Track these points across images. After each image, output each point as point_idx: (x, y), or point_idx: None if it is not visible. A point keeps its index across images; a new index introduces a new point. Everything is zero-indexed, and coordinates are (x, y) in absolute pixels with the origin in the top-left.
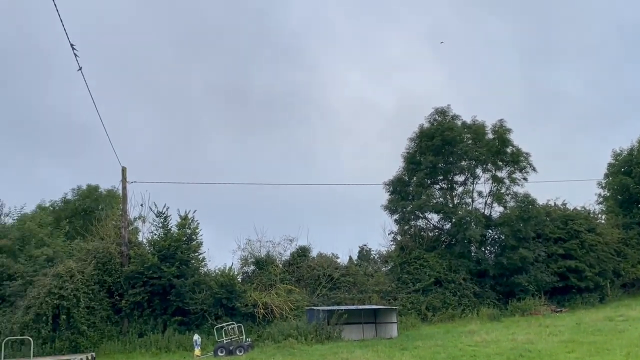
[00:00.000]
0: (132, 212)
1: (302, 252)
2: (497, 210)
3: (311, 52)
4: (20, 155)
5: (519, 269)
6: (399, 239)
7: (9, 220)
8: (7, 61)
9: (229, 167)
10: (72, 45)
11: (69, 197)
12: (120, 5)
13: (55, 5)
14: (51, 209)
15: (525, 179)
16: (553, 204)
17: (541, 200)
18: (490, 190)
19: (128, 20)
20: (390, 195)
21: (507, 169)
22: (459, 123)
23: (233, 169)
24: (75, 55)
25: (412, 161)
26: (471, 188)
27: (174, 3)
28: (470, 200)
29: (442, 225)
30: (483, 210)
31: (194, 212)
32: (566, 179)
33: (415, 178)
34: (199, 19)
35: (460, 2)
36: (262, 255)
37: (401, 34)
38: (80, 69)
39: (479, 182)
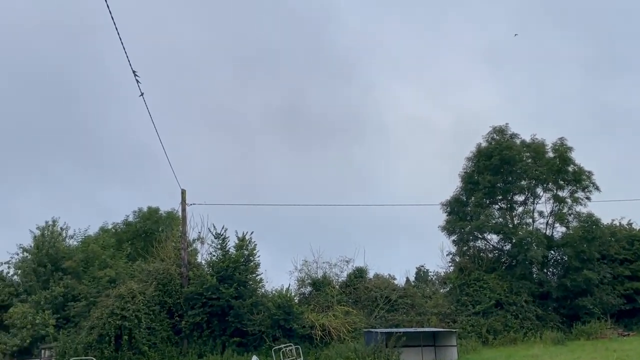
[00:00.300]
0: (191, 234)
1: (359, 273)
2: (559, 230)
3: (366, 71)
4: (83, 179)
5: (583, 291)
6: (457, 260)
7: (73, 243)
8: (70, 86)
9: (285, 188)
10: (134, 72)
11: (131, 219)
12: (177, 29)
13: (118, 35)
14: (113, 231)
15: (588, 198)
16: (618, 224)
17: (605, 220)
18: (552, 210)
19: (185, 44)
20: (447, 215)
21: (569, 188)
22: (518, 142)
23: (289, 189)
24: (137, 81)
25: (469, 181)
26: (532, 208)
27: (230, 26)
28: (530, 220)
29: (502, 246)
30: (544, 231)
31: (251, 233)
32: (631, 197)
33: (473, 198)
34: (255, 41)
35: (518, 18)
36: (319, 277)
37: (457, 51)
38: (142, 94)
39: (539, 201)
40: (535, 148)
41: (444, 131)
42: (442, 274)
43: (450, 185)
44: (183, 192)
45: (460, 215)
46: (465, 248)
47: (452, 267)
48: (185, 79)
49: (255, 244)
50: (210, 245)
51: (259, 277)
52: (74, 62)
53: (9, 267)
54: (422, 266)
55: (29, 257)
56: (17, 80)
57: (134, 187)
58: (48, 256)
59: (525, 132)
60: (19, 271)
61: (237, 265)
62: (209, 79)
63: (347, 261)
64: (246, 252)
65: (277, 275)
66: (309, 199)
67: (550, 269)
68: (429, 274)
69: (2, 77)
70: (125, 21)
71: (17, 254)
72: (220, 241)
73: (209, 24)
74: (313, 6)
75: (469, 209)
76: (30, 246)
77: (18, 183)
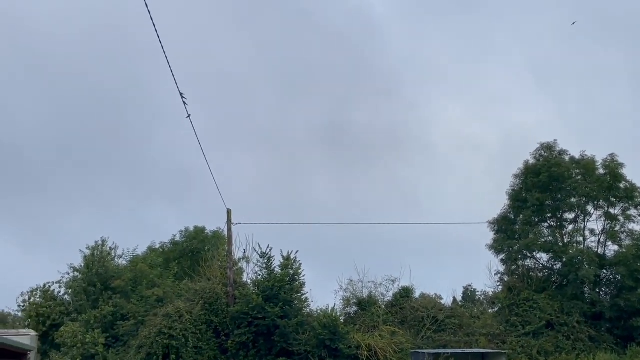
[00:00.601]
0: (237, 253)
1: (405, 292)
2: (611, 249)
3: (410, 87)
4: (132, 198)
5: (637, 311)
6: (506, 279)
7: (122, 262)
8: (117, 106)
9: (329, 206)
10: (182, 95)
11: (178, 238)
12: (221, 50)
13: (167, 59)
14: (161, 250)
15: None
16: None
17: None
18: (603, 228)
19: (229, 64)
20: (495, 234)
21: (621, 205)
22: (567, 158)
23: (333, 207)
24: (185, 103)
25: (517, 198)
26: (582, 226)
27: (273, 44)
28: (581, 238)
29: (552, 265)
30: (596, 249)
31: (296, 252)
32: None
33: (521, 216)
34: (297, 58)
35: (566, 32)
36: (364, 296)
37: (503, 66)
38: (189, 116)
39: (590, 219)
40: (585, 165)
41: (491, 148)
42: (491, 293)
43: (498, 203)
44: (229, 212)
45: (509, 234)
46: (514, 267)
47: (500, 287)
48: (230, 98)
49: (300, 263)
50: (256, 265)
51: (304, 296)
52: (122, 84)
53: (60, 287)
54: (470, 285)
55: (79, 277)
56: (66, 104)
57: (180, 206)
58: (98, 275)
59: (574, 148)
60: (70, 290)
61: (283, 285)
62: (252, 98)
63: (392, 280)
64: (291, 272)
65: (322, 294)
66: (353, 217)
67: (603, 289)
68: (477, 293)
69: (53, 101)
70: (171, 45)
71: (68, 274)
72: (266, 260)
73: (252, 43)
74: (355, 23)
75: (517, 227)
76: (81, 266)
77: (69, 203)
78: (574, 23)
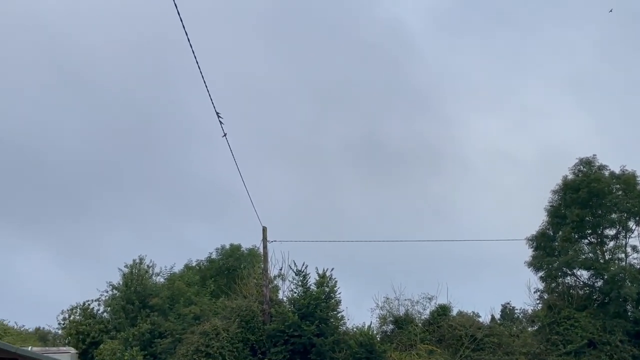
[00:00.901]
0: (273, 271)
1: (442, 310)
2: None
3: (445, 102)
4: (168, 216)
5: None
6: (545, 297)
7: (159, 280)
8: (155, 125)
9: (365, 223)
10: (218, 114)
11: (214, 256)
12: (256, 65)
13: (203, 78)
14: (197, 268)
15: None
16: None
17: None
18: None
19: (264, 80)
20: (534, 251)
21: None
22: (607, 173)
23: (369, 224)
24: (221, 122)
25: (556, 215)
26: (624, 242)
27: (307, 60)
28: (623, 255)
29: (593, 283)
30: (639, 266)
31: (332, 270)
32: None
33: (560, 232)
34: (332, 73)
35: (605, 44)
36: (401, 314)
37: (540, 79)
38: (225, 135)
39: (632, 235)
40: (626, 180)
41: (528, 163)
42: (530, 311)
43: (536, 219)
44: (264, 230)
45: (548, 251)
46: (553, 285)
47: (540, 305)
48: (265, 114)
49: (336, 281)
50: (291, 282)
51: (340, 314)
52: (159, 103)
53: (99, 304)
54: (508, 303)
55: (118, 295)
56: (105, 122)
57: (216, 224)
58: (136, 293)
59: (614, 163)
60: (109, 308)
61: (319, 303)
62: (287, 113)
63: (429, 298)
64: (327, 289)
65: (358, 312)
66: (389, 233)
67: None
68: (516, 311)
69: (93, 119)
70: (206, 62)
71: (107, 292)
72: (301, 278)
73: (287, 59)
74: (390, 37)
75: (557, 243)
76: (119, 284)
77: (107, 221)
78: (611, 10)
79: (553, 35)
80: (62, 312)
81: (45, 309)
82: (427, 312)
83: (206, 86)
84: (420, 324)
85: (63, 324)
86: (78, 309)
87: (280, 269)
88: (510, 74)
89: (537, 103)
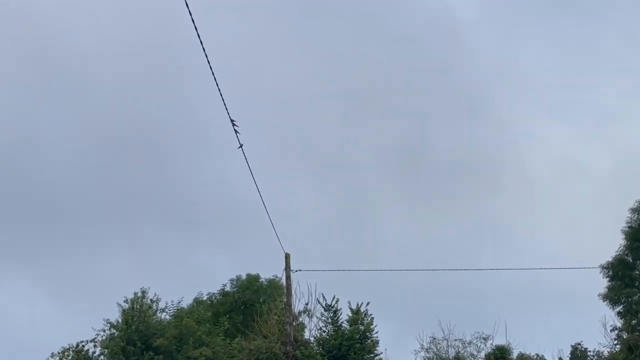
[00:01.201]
0: (297, 305)
1: (500, 353)
2: None
3: (502, 104)
4: (174, 242)
5: None
6: (625, 336)
7: (165, 317)
8: (158, 135)
9: (406, 248)
10: (232, 121)
11: (228, 288)
12: (273, 62)
13: (214, 76)
14: (209, 302)
15: None
16: None
17: None
18: None
19: (286, 82)
20: (609, 281)
21: None
22: None
23: (412, 250)
24: (236, 131)
25: (636, 238)
26: None
27: (338, 59)
28: None
29: None
30: None
31: (367, 304)
32: None
33: None
34: (367, 73)
35: None
36: (451, 357)
37: (616, 77)
38: (241, 146)
39: None
40: None
41: (602, 175)
42: (606, 353)
43: (612, 243)
44: (287, 257)
45: (626, 281)
46: (634, 322)
47: (618, 346)
48: (287, 120)
49: (372, 317)
50: (320, 319)
51: (377, 357)
52: (162, 108)
53: (94, 346)
54: (579, 344)
55: (116, 334)
56: (102, 131)
57: (231, 250)
58: (138, 333)
59: None
60: (106, 350)
61: (352, 343)
62: (313, 119)
63: (484, 338)
64: (362, 327)
65: (399, 354)
66: (435, 261)
67: None
68: (589, 353)
69: (84, 129)
70: (218, 61)
71: (104, 331)
72: (331, 314)
73: (314, 54)
74: (435, 30)
75: (637, 272)
76: (118, 321)
77: (103, 247)
78: None
79: (630, 23)
80: (52, 356)
81: (32, 350)
82: (482, 354)
83: (218, 88)
84: None
85: None
86: (70, 351)
87: (307, 304)
88: (581, 70)
89: (613, 104)
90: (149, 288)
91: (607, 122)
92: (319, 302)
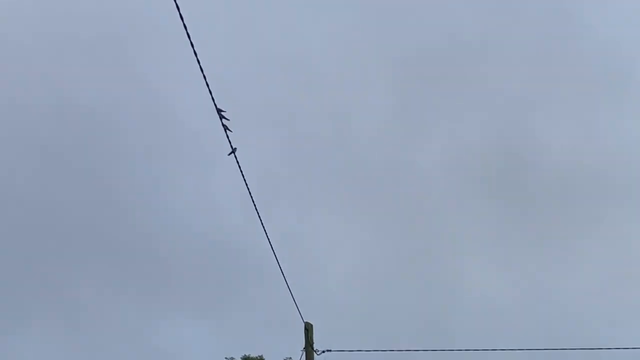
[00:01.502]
0: None
1: None
2: None
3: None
4: (129, 310)
5: None
6: None
7: None
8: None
9: (497, 310)
10: (219, 110)
11: None
12: (287, 31)
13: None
14: None
15: None
16: None
17: None
18: None
19: (306, 57)
20: None
21: None
22: None
23: (505, 313)
24: (225, 128)
25: None
26: None
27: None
28: None
29: None
30: None
31: None
32: None
33: None
34: (432, 36)
35: None
36: None
37: None
38: (234, 151)
39: None
40: None
41: None
42: None
43: None
44: (308, 328)
45: None
46: None
47: None
48: (296, 131)
49: None
50: None
51: None
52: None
53: None
54: None
55: None
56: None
57: (221, 321)
58: None
59: None
60: None
61: None
62: (350, 110)
63: None
64: None
65: None
66: (545, 332)
67: None
68: None
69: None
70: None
71: None
72: None
73: (350, 19)
74: None
75: None
76: None
77: (18, 325)
78: None
79: None
80: None
81: None
82: None
83: (201, 68)
84: None
85: None
86: None
87: None
88: None
89: None
90: None
91: None
92: None
